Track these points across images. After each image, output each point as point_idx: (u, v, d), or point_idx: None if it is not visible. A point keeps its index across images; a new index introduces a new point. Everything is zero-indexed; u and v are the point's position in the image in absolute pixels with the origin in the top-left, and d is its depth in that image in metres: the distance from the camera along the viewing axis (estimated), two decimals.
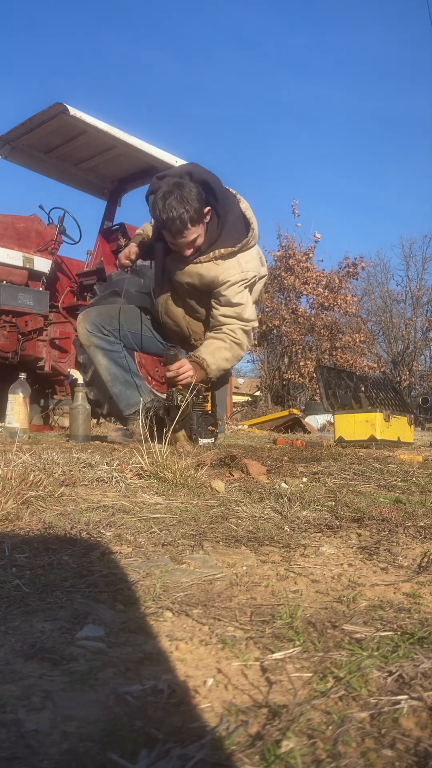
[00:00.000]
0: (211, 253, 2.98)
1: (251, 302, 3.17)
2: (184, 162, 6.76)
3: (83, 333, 3.41)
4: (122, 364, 3.37)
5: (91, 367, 6.04)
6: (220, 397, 3.49)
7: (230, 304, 3.04)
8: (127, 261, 3.32)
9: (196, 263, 3.02)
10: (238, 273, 3.02)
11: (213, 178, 2.95)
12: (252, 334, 3.25)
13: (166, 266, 3.16)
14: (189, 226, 2.82)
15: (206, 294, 3.10)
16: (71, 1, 52.65)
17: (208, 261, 3.00)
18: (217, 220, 2.99)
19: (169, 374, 2.91)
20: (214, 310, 3.08)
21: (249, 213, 3.12)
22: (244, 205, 3.13)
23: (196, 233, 2.88)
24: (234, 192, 3.12)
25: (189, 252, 2.95)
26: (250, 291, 3.15)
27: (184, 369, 2.89)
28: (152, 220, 3.18)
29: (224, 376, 3.39)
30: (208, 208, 2.92)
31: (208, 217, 2.95)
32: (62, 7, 53.70)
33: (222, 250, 2.98)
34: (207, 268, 3.01)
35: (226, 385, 3.58)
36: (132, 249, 3.34)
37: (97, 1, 53.75)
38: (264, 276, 3.32)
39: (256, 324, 3.24)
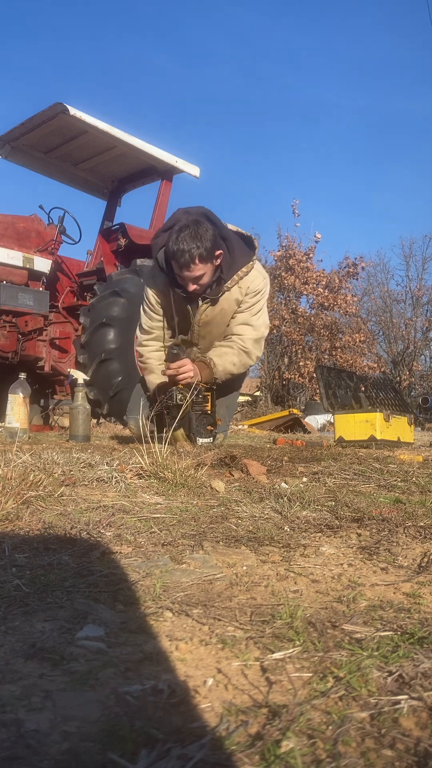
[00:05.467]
0: (235, 276, 3.08)
1: (266, 311, 3.28)
2: (183, 162, 6.80)
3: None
4: None
5: (93, 365, 6.06)
6: (230, 400, 3.51)
7: (248, 311, 3.17)
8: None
9: (225, 291, 3.09)
10: (262, 280, 3.18)
11: (210, 213, 3.01)
12: (263, 342, 3.33)
13: (188, 312, 3.15)
14: (197, 261, 2.87)
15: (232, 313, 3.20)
16: (72, 1, 52.59)
17: (234, 285, 3.09)
18: (227, 251, 3.05)
19: (168, 372, 2.96)
20: (231, 318, 3.19)
21: (240, 230, 3.23)
22: (232, 226, 3.23)
23: (202, 270, 2.92)
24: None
25: (192, 288, 2.99)
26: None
27: (184, 369, 2.94)
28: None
29: (237, 380, 3.42)
30: (220, 251, 2.97)
31: (219, 261, 3.00)
32: (62, 6, 53.61)
33: (244, 269, 3.09)
34: (234, 291, 3.11)
35: (238, 390, 3.60)
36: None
37: (97, 1, 53.70)
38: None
39: (266, 331, 3.31)
